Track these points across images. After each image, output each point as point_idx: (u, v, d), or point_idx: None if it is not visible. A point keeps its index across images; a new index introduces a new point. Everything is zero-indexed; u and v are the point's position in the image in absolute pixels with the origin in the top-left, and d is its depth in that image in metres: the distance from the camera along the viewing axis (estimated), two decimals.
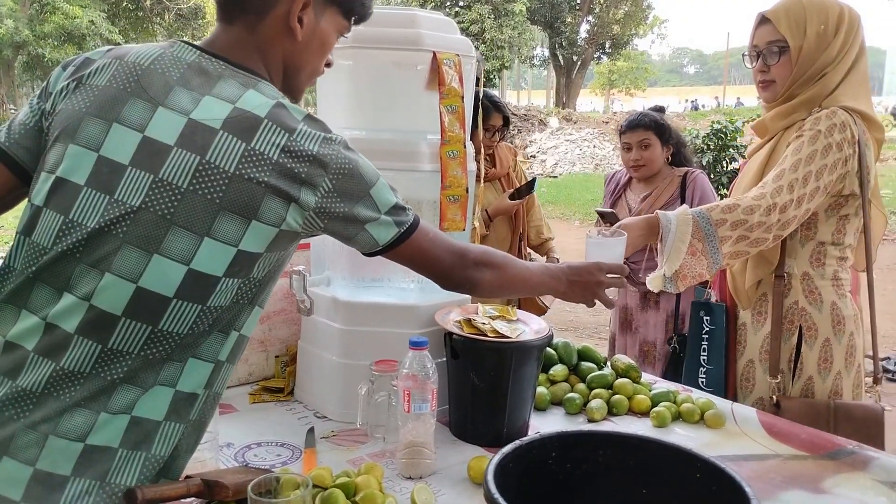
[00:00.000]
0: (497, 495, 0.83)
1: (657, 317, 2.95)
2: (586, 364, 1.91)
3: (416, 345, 1.42)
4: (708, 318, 2.06)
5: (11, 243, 1.11)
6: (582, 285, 1.46)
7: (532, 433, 1.62)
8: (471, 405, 1.59)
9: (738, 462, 1.52)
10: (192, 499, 1.21)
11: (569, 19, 30.49)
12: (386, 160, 1.63)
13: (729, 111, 22.45)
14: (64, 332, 1.02)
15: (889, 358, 5.12)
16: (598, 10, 31.00)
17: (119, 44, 6.83)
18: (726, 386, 2.02)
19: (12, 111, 22.87)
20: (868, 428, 1.81)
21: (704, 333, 2.06)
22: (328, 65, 1.29)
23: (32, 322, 1.04)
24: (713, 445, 1.60)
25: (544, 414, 1.76)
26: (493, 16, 24.80)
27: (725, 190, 6.98)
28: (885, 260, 8.11)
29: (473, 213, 1.89)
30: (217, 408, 1.21)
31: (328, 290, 1.73)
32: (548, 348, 1.84)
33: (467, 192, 1.68)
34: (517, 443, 0.97)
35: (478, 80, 1.88)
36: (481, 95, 2.39)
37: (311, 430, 1.61)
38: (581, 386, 1.83)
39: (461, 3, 25.60)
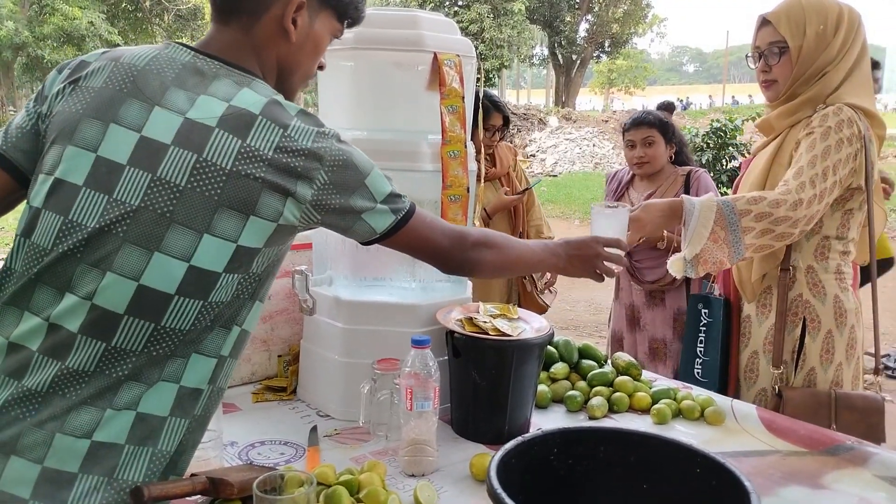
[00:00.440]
0: (500, 491, 0.84)
1: (664, 314, 2.97)
2: (587, 362, 1.92)
3: (418, 343, 1.43)
4: (706, 311, 2.11)
5: (11, 245, 1.13)
6: (581, 259, 1.47)
7: (533, 430, 1.63)
8: (472, 403, 1.60)
9: (737, 458, 1.53)
10: (198, 496, 1.23)
11: (568, 18, 30.50)
12: (387, 160, 1.63)
13: (728, 109, 22.46)
14: (68, 332, 1.03)
15: (889, 355, 5.13)
16: (597, 8, 31.01)
17: (118, 45, 6.84)
18: (726, 378, 2.06)
19: (12, 112, 22.87)
20: (869, 417, 1.85)
21: (702, 326, 2.11)
22: (321, 67, 1.31)
23: (35, 323, 1.05)
24: (713, 442, 1.61)
25: (545, 412, 1.77)
26: (492, 15, 24.81)
27: (725, 188, 6.99)
28: None
29: (474, 213, 1.90)
30: (220, 404, 1.22)
31: (330, 289, 1.75)
32: (549, 346, 1.85)
33: (468, 191, 1.69)
34: (519, 439, 0.99)
35: (477, 78, 1.89)
36: (482, 95, 2.41)
37: (314, 429, 1.62)
38: (582, 384, 1.85)
39: (460, 3, 25.62)
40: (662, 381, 1.95)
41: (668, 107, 12.65)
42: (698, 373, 2.10)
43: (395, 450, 1.52)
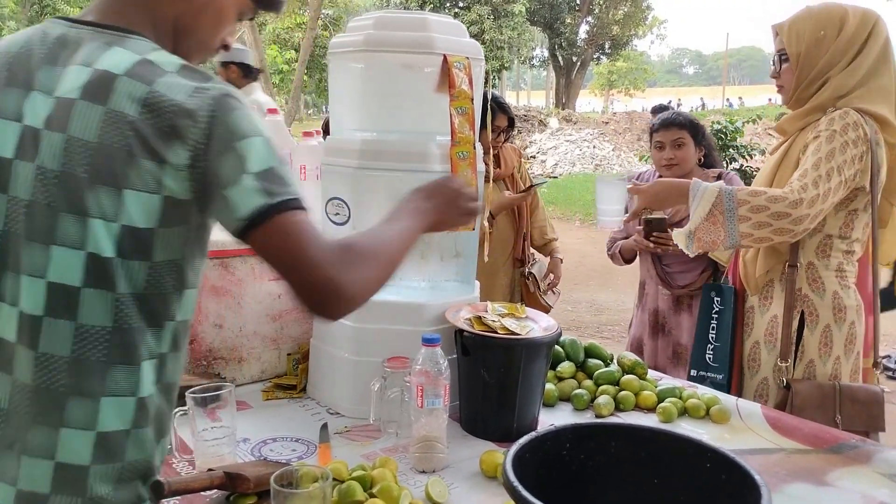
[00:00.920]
0: (516, 483, 0.86)
1: (690, 320, 2.87)
2: (593, 361, 1.94)
3: (428, 341, 1.45)
4: (718, 298, 2.20)
5: None
6: (446, 200, 1.30)
7: (540, 428, 1.66)
8: (481, 401, 1.62)
9: (743, 456, 1.52)
10: (213, 490, 1.25)
11: (568, 20, 30.56)
12: (396, 161, 1.68)
13: (728, 111, 22.50)
14: (8, 343, 1.01)
15: (889, 356, 5.15)
16: (597, 10, 31.07)
17: None
18: (731, 363, 2.15)
19: None
20: (870, 408, 1.92)
21: (714, 313, 2.19)
22: (226, 47, 1.20)
23: None
24: (718, 440, 1.63)
25: (552, 410, 1.79)
26: (492, 17, 24.87)
27: None
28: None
29: (482, 214, 1.92)
30: (172, 398, 1.13)
31: None
32: (555, 346, 1.87)
33: (477, 192, 1.71)
34: (533, 434, 1.01)
35: (485, 80, 1.91)
36: (490, 96, 2.43)
37: (325, 426, 1.64)
38: (588, 382, 1.87)
39: (461, 4, 25.66)
40: (668, 380, 1.97)
41: (661, 110, 12.74)
42: (710, 358, 2.19)
43: (405, 447, 1.54)
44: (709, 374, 2.26)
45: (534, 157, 18.83)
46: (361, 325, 1.70)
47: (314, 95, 30.34)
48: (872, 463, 1.52)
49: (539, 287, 3.63)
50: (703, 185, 1.93)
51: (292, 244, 0.98)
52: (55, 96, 1.00)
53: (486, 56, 1.83)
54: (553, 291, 3.64)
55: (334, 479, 1.28)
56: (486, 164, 1.89)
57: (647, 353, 2.97)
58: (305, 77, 24.90)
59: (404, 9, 23.19)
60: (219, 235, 1.86)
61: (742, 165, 8.34)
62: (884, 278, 2.20)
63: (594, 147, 19.66)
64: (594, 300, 7.16)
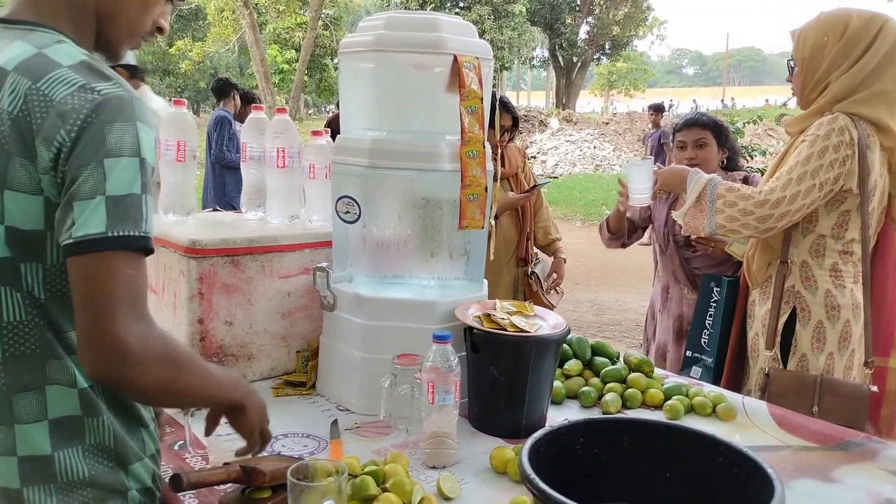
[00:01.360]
0: (533, 475, 0.87)
1: None
2: (600, 359, 1.96)
3: (439, 338, 1.47)
4: (718, 288, 2.41)
5: None
6: (258, 405, 1.22)
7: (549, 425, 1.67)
8: (490, 398, 1.63)
9: None
10: (228, 484, 1.27)
11: (568, 20, 30.57)
12: (407, 160, 1.69)
13: (729, 112, 22.51)
14: None
15: None
16: (597, 11, 31.07)
17: None
18: (723, 352, 2.34)
19: None
20: (852, 404, 1.98)
21: (713, 302, 2.40)
22: (160, 30, 1.16)
23: None
24: (725, 437, 1.64)
25: (560, 407, 1.80)
26: (492, 17, 24.88)
27: None
28: None
29: (491, 212, 1.94)
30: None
31: (350, 286, 1.78)
32: None
33: (486, 190, 1.72)
34: (548, 428, 1.02)
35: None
36: (498, 96, 2.45)
37: (335, 422, 1.65)
38: (595, 380, 1.88)
39: (461, 4, 25.68)
40: (673, 378, 1.99)
41: (658, 108, 12.68)
42: (705, 342, 2.40)
43: (415, 443, 1.55)
44: (702, 356, 2.46)
45: (534, 158, 18.84)
46: (371, 322, 1.71)
47: (314, 95, 30.32)
48: (878, 460, 1.53)
49: (542, 286, 3.64)
50: (698, 175, 2.13)
51: (105, 284, 0.92)
52: None
53: None
54: (556, 291, 3.65)
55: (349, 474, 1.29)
56: (493, 163, 1.90)
57: (670, 359, 2.85)
58: (306, 77, 24.91)
59: (405, 9, 23.20)
60: (228, 233, 1.89)
61: (743, 166, 8.36)
62: None
63: (595, 147, 19.68)
64: (595, 300, 7.18)
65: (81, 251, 0.92)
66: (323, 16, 24.54)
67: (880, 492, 1.41)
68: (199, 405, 1.19)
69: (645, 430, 1.07)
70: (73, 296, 0.94)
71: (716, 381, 2.28)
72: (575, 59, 31.85)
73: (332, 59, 27.45)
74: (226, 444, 1.41)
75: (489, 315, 1.67)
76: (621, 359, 1.99)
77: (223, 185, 6.32)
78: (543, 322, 1.69)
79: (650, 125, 12.06)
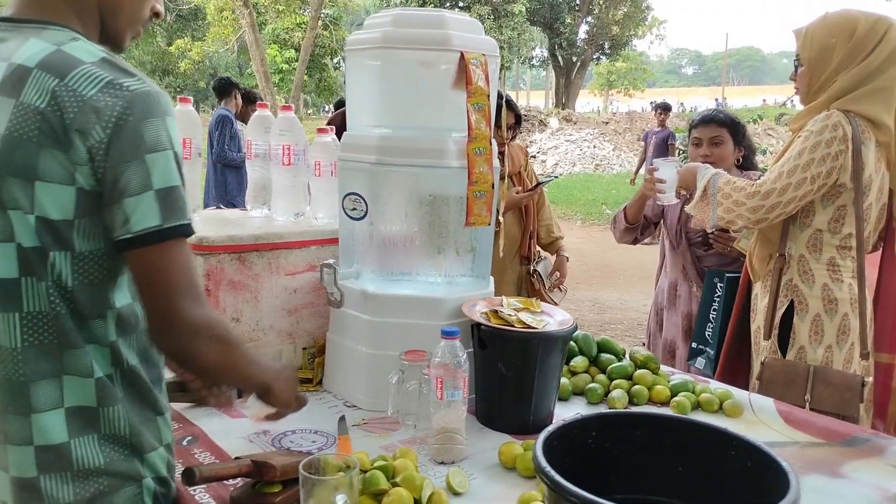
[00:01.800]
0: (547, 467, 0.88)
1: None
2: (606, 356, 1.96)
3: (447, 334, 1.47)
4: (721, 284, 2.49)
5: None
6: (288, 382, 1.30)
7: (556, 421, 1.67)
8: (498, 394, 1.63)
9: None
10: (237, 479, 1.27)
11: (568, 20, 30.56)
12: (413, 157, 1.69)
13: (728, 111, 22.49)
14: None
15: None
16: (597, 10, 31.07)
17: None
18: (722, 344, 2.40)
19: None
20: (843, 394, 2.01)
21: (717, 296, 2.49)
22: (157, 15, 1.19)
23: None
24: None
25: (566, 404, 1.80)
26: (492, 16, 24.87)
27: None
28: None
29: (497, 210, 1.94)
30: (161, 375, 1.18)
31: (357, 283, 1.78)
32: None
33: (493, 187, 1.72)
34: (560, 422, 1.02)
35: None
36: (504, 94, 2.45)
37: (343, 418, 1.65)
38: (601, 377, 1.88)
39: (461, 4, 25.67)
40: (679, 375, 1.99)
41: (665, 107, 12.63)
42: (709, 335, 2.50)
43: (423, 439, 1.55)
44: (707, 348, 2.54)
45: (534, 158, 18.84)
46: (378, 318, 1.71)
47: (313, 95, 30.32)
48: (885, 455, 1.53)
49: (544, 284, 3.64)
50: (706, 170, 2.23)
51: (169, 279, 1.01)
52: None
53: None
54: (560, 289, 3.66)
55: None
56: (501, 161, 1.90)
57: (679, 356, 2.83)
58: (305, 77, 24.90)
59: (405, 7, 23.15)
60: (235, 230, 1.89)
61: (759, 165, 8.37)
62: None
63: (594, 147, 19.69)
64: (597, 299, 7.18)
65: (143, 244, 0.99)
66: (322, 15, 24.53)
67: (888, 487, 1.41)
68: (239, 383, 1.27)
69: (657, 425, 1.07)
70: (138, 285, 1.03)
71: (716, 372, 2.35)
72: (574, 59, 31.85)
73: (331, 59, 27.45)
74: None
75: (496, 311, 1.67)
76: (627, 355, 1.99)
77: (224, 184, 6.33)
78: (550, 318, 1.69)
79: (656, 124, 12.03)
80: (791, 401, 1.88)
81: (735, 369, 2.32)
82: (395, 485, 1.28)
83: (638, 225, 2.95)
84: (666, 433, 1.05)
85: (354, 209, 1.74)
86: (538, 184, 3.49)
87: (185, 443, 1.53)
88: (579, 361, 1.92)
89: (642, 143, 12.35)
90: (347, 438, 1.56)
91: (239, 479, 1.26)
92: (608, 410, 1.36)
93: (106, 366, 1.08)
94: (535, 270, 3.58)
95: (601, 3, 30.79)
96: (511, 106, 3.33)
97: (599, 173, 18.29)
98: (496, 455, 1.48)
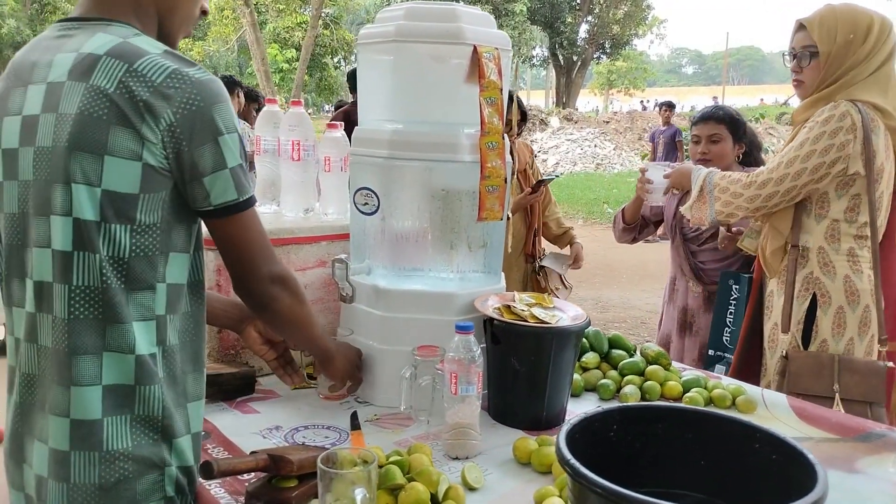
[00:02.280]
0: (572, 459, 0.87)
1: None
2: (617, 352, 1.96)
3: (462, 329, 1.46)
4: (737, 286, 2.47)
5: None
6: (346, 358, 1.60)
7: (568, 417, 1.66)
8: (511, 389, 1.63)
9: None
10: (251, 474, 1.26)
11: (569, 19, 30.53)
12: (426, 151, 1.68)
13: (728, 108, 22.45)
14: (30, 314, 1.11)
15: None
16: (597, 10, 31.05)
17: None
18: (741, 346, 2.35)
19: None
20: (869, 381, 2.02)
21: (732, 299, 2.46)
22: (204, 12, 1.29)
23: (18, 313, 1.16)
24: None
25: (578, 400, 1.80)
26: (493, 15, 24.69)
27: None
28: None
29: (509, 205, 1.93)
30: (201, 359, 1.24)
31: (369, 278, 1.77)
32: None
33: (505, 182, 1.72)
34: (582, 415, 1.02)
35: None
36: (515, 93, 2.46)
37: (355, 414, 1.64)
38: (613, 373, 1.88)
39: (461, 3, 25.61)
40: (691, 371, 1.98)
41: (670, 105, 12.60)
42: (726, 339, 2.46)
43: (436, 434, 1.55)
44: (725, 354, 2.49)
45: (535, 157, 18.85)
46: (390, 314, 1.71)
47: (314, 94, 30.30)
48: None
49: (549, 282, 3.65)
50: (699, 171, 2.28)
51: (247, 243, 1.18)
52: (47, 82, 1.10)
53: None
54: (565, 286, 3.66)
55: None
56: (512, 157, 1.90)
57: (673, 350, 2.87)
58: (306, 76, 24.88)
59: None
60: None
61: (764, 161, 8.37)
62: None
63: (595, 146, 19.68)
64: (599, 298, 7.17)
65: (224, 216, 1.14)
66: (323, 15, 24.50)
67: None
68: (305, 342, 1.48)
69: (679, 418, 1.06)
70: (221, 248, 1.19)
71: (730, 373, 2.34)
72: (575, 58, 31.82)
73: (332, 59, 27.42)
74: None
75: (509, 306, 1.67)
76: (638, 352, 1.99)
77: None
78: (563, 314, 1.69)
79: (660, 122, 12.01)
80: (819, 392, 1.90)
81: (748, 371, 2.29)
82: (410, 480, 1.27)
83: (635, 225, 3.01)
84: (688, 426, 1.05)
85: (366, 204, 1.74)
86: (539, 182, 3.49)
87: None
88: (591, 357, 1.92)
89: (650, 144, 12.31)
90: (361, 434, 1.55)
91: (254, 473, 1.26)
92: (631, 403, 1.36)
93: (149, 343, 1.12)
94: (542, 267, 3.59)
95: (602, 2, 30.78)
96: (517, 103, 3.33)
97: (600, 172, 18.28)
98: (510, 450, 1.47)
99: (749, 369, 2.28)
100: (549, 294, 1.87)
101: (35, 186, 1.10)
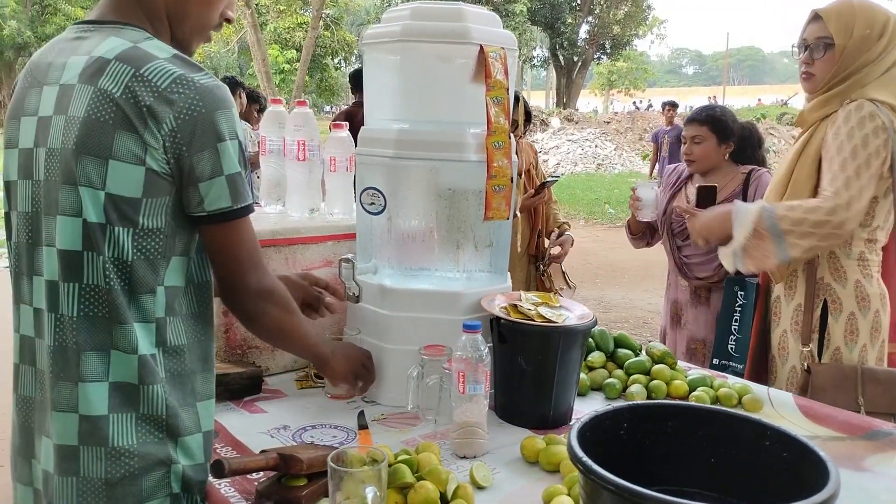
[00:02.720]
0: (584, 457, 0.87)
1: (707, 314, 2.85)
2: (623, 351, 1.96)
3: (469, 328, 1.46)
4: (742, 293, 2.37)
5: (8, 251, 1.23)
6: (346, 359, 1.56)
7: (575, 417, 1.67)
8: (518, 388, 1.63)
9: None
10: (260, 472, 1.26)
11: (569, 20, 30.52)
12: (432, 151, 1.69)
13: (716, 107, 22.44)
14: (41, 311, 1.13)
15: None
16: (598, 10, 31.05)
17: None
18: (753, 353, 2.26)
19: None
20: (892, 391, 1.96)
21: (738, 307, 2.35)
22: (228, 20, 1.28)
23: (25, 311, 1.17)
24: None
25: (584, 399, 1.80)
26: None
27: None
28: None
29: (516, 204, 1.93)
30: (207, 360, 1.24)
31: (375, 278, 1.77)
32: None
33: (512, 181, 1.72)
34: (593, 413, 1.02)
35: None
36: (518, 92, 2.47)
37: (362, 413, 1.64)
38: (619, 372, 1.88)
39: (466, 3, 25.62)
40: (697, 370, 1.99)
41: (673, 105, 12.58)
42: (732, 348, 2.35)
43: (444, 433, 1.55)
44: (731, 363, 2.41)
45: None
46: (396, 313, 1.71)
47: (314, 95, 30.32)
48: None
49: (553, 282, 3.65)
50: (743, 209, 1.98)
51: (236, 252, 1.17)
52: (60, 84, 1.12)
53: None
54: (569, 285, 3.66)
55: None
56: (518, 156, 1.90)
57: (668, 344, 2.96)
58: (307, 77, 24.90)
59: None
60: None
61: (763, 158, 8.35)
62: None
63: (596, 146, 19.68)
64: (601, 297, 7.17)
65: (215, 222, 1.13)
66: (324, 16, 24.52)
67: None
68: (299, 350, 1.47)
69: (689, 416, 1.06)
70: (211, 255, 1.19)
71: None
72: (575, 59, 31.81)
73: (332, 59, 27.43)
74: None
75: (515, 306, 1.67)
76: (644, 351, 1.99)
77: None
78: (570, 313, 1.69)
79: (664, 122, 12.01)
80: (844, 405, 1.81)
81: (758, 381, 2.20)
82: (419, 478, 1.27)
83: (642, 234, 3.12)
84: (699, 424, 1.05)
85: (373, 204, 1.74)
86: (543, 184, 3.50)
87: None
88: (596, 357, 1.92)
89: (652, 144, 12.31)
90: (368, 433, 1.55)
91: (263, 472, 1.26)
92: (641, 402, 1.36)
93: (150, 344, 1.13)
94: (545, 271, 3.60)
95: (602, 2, 30.78)
96: (523, 103, 3.34)
97: (601, 173, 18.29)
98: (517, 449, 1.47)
99: (758, 378, 2.20)
100: (554, 293, 1.87)
101: (45, 187, 1.12)
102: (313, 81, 27.22)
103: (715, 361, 2.51)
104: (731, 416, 1.05)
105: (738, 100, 40.10)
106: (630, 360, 1.90)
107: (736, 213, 1.99)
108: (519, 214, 3.28)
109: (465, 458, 1.46)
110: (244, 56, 28.75)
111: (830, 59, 2.03)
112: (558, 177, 3.76)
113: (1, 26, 23.05)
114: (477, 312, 1.68)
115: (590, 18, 31.41)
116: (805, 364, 2.05)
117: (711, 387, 1.82)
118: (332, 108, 31.65)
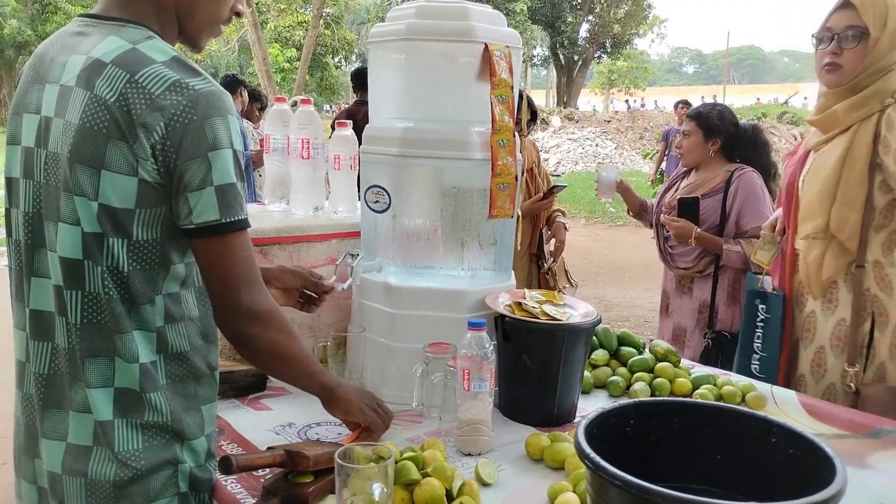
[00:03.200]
0: (592, 453, 0.88)
1: (690, 304, 3.00)
2: (626, 349, 1.96)
3: (474, 325, 1.47)
4: (763, 306, 2.12)
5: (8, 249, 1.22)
6: (355, 389, 1.41)
7: (579, 414, 1.67)
8: (522, 386, 1.63)
9: None
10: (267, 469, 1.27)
11: (570, 19, 30.51)
12: (437, 149, 1.69)
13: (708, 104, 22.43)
14: (49, 313, 1.12)
15: None
16: (598, 9, 31.04)
17: None
18: (778, 372, 2.08)
19: None
20: None
21: (759, 321, 2.11)
22: (238, 14, 1.25)
23: (26, 312, 1.16)
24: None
25: (588, 397, 1.80)
26: None
27: None
28: None
29: (519, 202, 1.94)
30: (208, 363, 1.22)
31: (380, 275, 1.78)
32: None
33: (516, 179, 1.72)
34: (599, 410, 1.02)
35: None
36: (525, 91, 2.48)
37: None
38: (622, 370, 1.88)
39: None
40: (700, 368, 1.99)
41: (686, 103, 12.60)
42: (755, 368, 2.11)
43: (448, 431, 1.55)
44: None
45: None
46: (401, 311, 1.71)
47: (315, 94, 30.34)
48: None
49: (556, 281, 3.66)
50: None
51: (228, 269, 1.10)
52: (60, 84, 1.09)
53: None
54: (571, 284, 3.67)
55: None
56: (522, 155, 1.90)
57: (658, 332, 3.17)
58: (307, 76, 24.89)
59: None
60: (256, 223, 1.88)
61: (784, 159, 8.34)
62: None
63: (597, 145, 19.67)
64: (602, 296, 7.18)
65: (203, 235, 1.08)
66: (324, 14, 24.51)
67: None
68: (298, 378, 1.30)
69: (695, 412, 1.06)
70: (203, 271, 1.12)
71: None
72: (576, 58, 31.80)
73: (333, 58, 27.42)
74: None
75: (520, 304, 1.67)
76: (647, 349, 1.99)
77: None
78: (574, 311, 1.69)
79: (676, 121, 11.97)
80: None
81: None
82: (425, 475, 1.28)
83: (637, 213, 3.33)
84: (704, 421, 1.05)
85: (377, 202, 1.74)
86: (550, 190, 3.54)
87: None
88: (600, 355, 1.92)
89: (661, 143, 12.28)
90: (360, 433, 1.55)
91: (270, 469, 1.26)
92: (647, 398, 1.36)
93: (150, 352, 1.12)
94: (549, 269, 3.62)
95: (602, 1, 30.76)
96: (527, 102, 3.35)
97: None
98: (522, 447, 1.48)
99: None
100: (558, 291, 1.88)
101: (46, 190, 1.10)
102: (314, 80, 27.22)
103: None
104: (738, 412, 1.06)
105: (738, 99, 40.04)
106: (634, 358, 1.91)
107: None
108: (520, 213, 3.30)
109: (469, 455, 1.47)
110: (244, 55, 28.75)
111: (862, 50, 1.88)
112: (566, 185, 3.78)
113: (1, 25, 23.06)
114: (481, 310, 1.68)
115: (590, 17, 31.39)
116: (852, 384, 1.92)
117: (715, 384, 1.82)
118: (332, 107, 31.66)
